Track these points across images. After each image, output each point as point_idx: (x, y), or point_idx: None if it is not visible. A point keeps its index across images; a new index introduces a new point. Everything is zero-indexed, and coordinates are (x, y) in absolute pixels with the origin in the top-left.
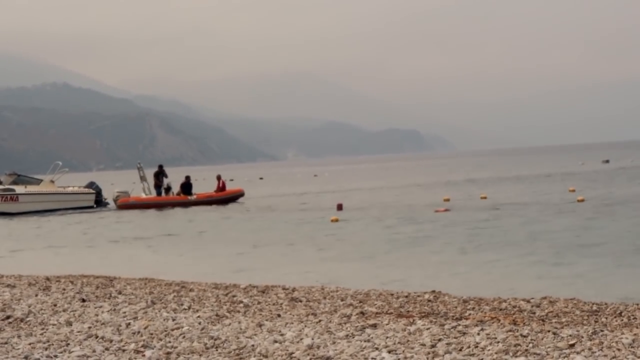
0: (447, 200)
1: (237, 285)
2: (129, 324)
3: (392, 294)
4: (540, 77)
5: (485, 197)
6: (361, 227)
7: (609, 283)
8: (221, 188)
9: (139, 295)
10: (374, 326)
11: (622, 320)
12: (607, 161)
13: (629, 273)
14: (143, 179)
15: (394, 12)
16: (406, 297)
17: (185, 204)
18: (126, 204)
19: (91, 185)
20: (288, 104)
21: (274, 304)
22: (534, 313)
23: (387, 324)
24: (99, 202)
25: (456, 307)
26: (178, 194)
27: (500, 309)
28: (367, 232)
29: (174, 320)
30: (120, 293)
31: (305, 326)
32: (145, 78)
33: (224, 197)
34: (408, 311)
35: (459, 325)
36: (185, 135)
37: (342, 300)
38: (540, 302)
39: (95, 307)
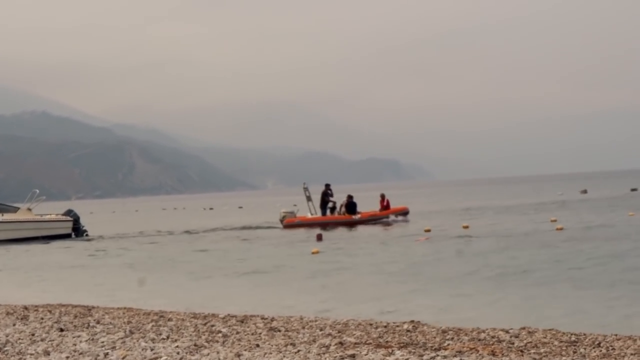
0: (428, 230)
1: (215, 315)
2: (107, 353)
3: (371, 324)
4: (520, 108)
5: (467, 227)
6: (341, 258)
7: (587, 314)
8: (385, 206)
9: (117, 324)
10: (353, 356)
11: (601, 351)
12: (585, 191)
13: (607, 303)
14: (309, 199)
15: (374, 42)
16: (385, 327)
17: (350, 224)
18: (292, 224)
19: (69, 213)
20: (267, 133)
21: (252, 334)
22: (513, 344)
23: (365, 355)
24: (77, 230)
25: (435, 338)
26: (343, 214)
27: (479, 340)
28: (347, 263)
29: (152, 350)
30: (98, 322)
31: (284, 356)
32: (124, 106)
33: (389, 215)
34: (387, 341)
35: (438, 355)
36: (165, 164)
37: (321, 330)
38: (519, 333)
39: (74, 337)
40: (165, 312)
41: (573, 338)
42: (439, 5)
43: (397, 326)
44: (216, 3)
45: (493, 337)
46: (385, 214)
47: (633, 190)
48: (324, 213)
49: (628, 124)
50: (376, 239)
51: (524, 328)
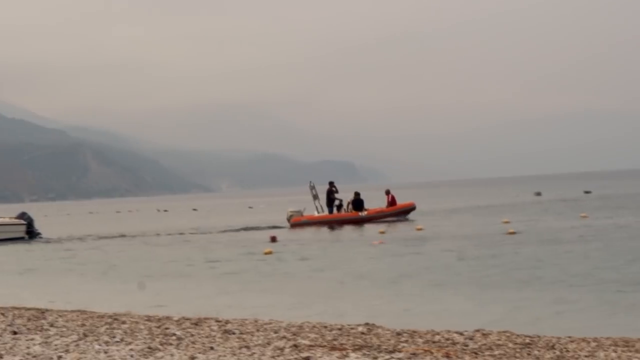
0: (383, 232)
1: (169, 317)
2: (61, 356)
3: (325, 326)
4: (477, 111)
5: (421, 229)
6: (295, 260)
7: (541, 315)
8: (391, 203)
9: (70, 327)
10: (307, 359)
11: (555, 353)
12: (539, 193)
13: (561, 305)
14: (315, 197)
15: (328, 43)
16: (340, 329)
17: (357, 221)
18: (299, 223)
19: (22, 215)
20: (222, 135)
21: (207, 337)
22: (467, 346)
23: (320, 357)
24: (31, 233)
25: (389, 340)
26: (350, 211)
27: (434, 342)
28: (301, 265)
29: (106, 353)
30: (52, 325)
31: (239, 359)
32: (78, 108)
33: (396, 212)
34: (341, 344)
35: (392, 358)
36: (119, 167)
37: (275, 332)
38: (473, 335)
39: (27, 340)
40: (119, 314)
41: (527, 340)
42: (396, 7)
43: (352, 328)
44: (170, 5)
45: (447, 339)
46: (391, 210)
47: (587, 192)
48: (330, 211)
49: (584, 128)
50: (332, 242)
51: (478, 330)
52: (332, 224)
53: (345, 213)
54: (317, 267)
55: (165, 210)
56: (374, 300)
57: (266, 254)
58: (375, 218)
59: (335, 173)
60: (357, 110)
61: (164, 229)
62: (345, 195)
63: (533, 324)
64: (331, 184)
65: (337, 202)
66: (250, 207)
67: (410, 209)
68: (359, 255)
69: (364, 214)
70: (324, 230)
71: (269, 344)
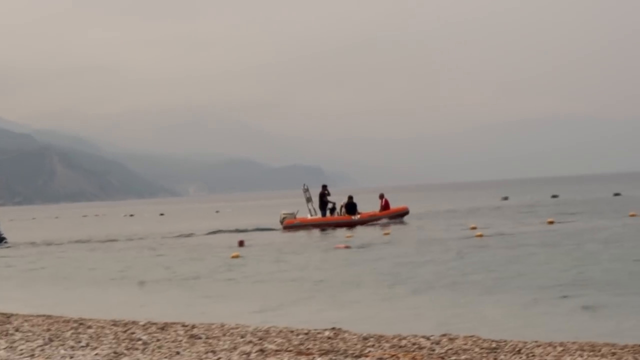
0: (350, 236)
1: (135, 322)
2: None
3: (292, 331)
4: (447, 116)
5: (388, 233)
6: (262, 264)
7: (508, 320)
8: (385, 207)
9: (36, 332)
10: None
11: (521, 357)
12: (507, 198)
13: (526, 309)
14: (309, 200)
15: (297, 48)
16: (306, 334)
17: (350, 224)
18: (292, 225)
19: None
20: (190, 140)
21: (173, 342)
22: (434, 350)
23: None
24: None
25: (356, 345)
26: (343, 214)
27: (400, 347)
28: (267, 269)
29: (71, 358)
30: (17, 330)
31: None
32: (45, 112)
33: (389, 216)
34: (308, 349)
35: None
36: (86, 171)
37: (242, 337)
38: (439, 340)
39: None
40: (84, 319)
41: (494, 345)
42: (366, 11)
43: (318, 333)
44: (139, 10)
45: (414, 344)
46: (384, 214)
47: (554, 197)
48: (323, 214)
49: (558, 132)
50: (298, 245)
51: (444, 335)
52: (325, 226)
53: (338, 216)
54: (282, 272)
55: (132, 215)
56: (340, 304)
57: (233, 257)
58: (368, 221)
59: (304, 177)
60: (326, 114)
61: (130, 234)
62: (338, 199)
63: (498, 328)
64: (324, 187)
65: (330, 205)
66: (217, 212)
67: (403, 212)
68: (324, 260)
69: (356, 217)
70: (295, 233)
71: (235, 348)
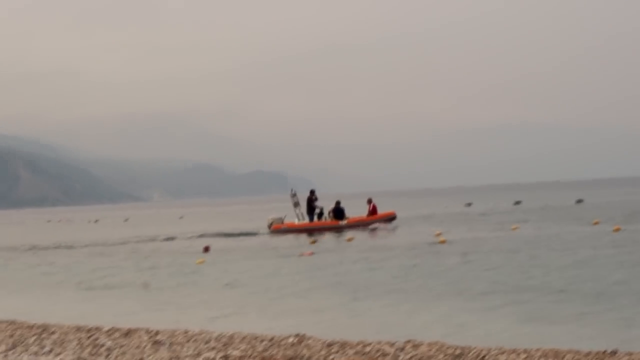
0: (314, 242)
1: (99, 328)
2: None
3: (256, 337)
4: (409, 123)
5: (351, 239)
6: (227, 270)
7: (472, 326)
8: (372, 211)
9: None
10: None
11: None
12: (470, 204)
13: (491, 316)
14: (296, 205)
15: (261, 54)
16: (270, 340)
17: (337, 229)
18: (279, 230)
19: None
20: (153, 145)
21: (137, 347)
22: (398, 357)
23: None
24: None
25: (320, 351)
26: (330, 219)
27: (364, 353)
28: (233, 275)
29: None
30: None
31: None
32: (9, 117)
33: (376, 221)
34: (272, 355)
35: None
36: (49, 176)
37: (205, 343)
38: (404, 346)
39: None
40: (48, 325)
41: (458, 351)
42: (326, 18)
43: (282, 339)
44: (104, 15)
45: (378, 350)
46: (372, 219)
47: (517, 203)
48: (311, 219)
49: (518, 140)
50: (264, 252)
51: (409, 341)
52: (313, 231)
53: (325, 221)
54: (247, 278)
55: (97, 221)
56: (304, 311)
57: (199, 264)
58: (356, 226)
59: (267, 183)
60: (289, 120)
61: (94, 239)
62: (326, 204)
63: (462, 335)
64: (312, 192)
65: (317, 210)
66: (181, 217)
67: (391, 217)
68: (289, 266)
69: (344, 222)
70: (253, 238)
71: (199, 354)
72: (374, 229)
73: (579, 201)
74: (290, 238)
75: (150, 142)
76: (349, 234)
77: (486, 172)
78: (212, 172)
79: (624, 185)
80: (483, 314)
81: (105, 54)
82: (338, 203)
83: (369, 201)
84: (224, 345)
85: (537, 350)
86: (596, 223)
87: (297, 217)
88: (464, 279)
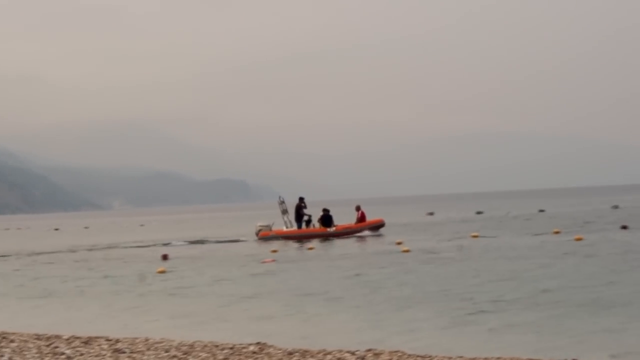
0: (275, 251)
1: (59, 336)
2: None
3: (216, 346)
4: (373, 132)
5: (312, 248)
6: (188, 278)
7: (433, 335)
8: (361, 219)
9: None
10: None
11: None
12: (432, 213)
13: (452, 325)
14: (284, 212)
15: (224, 62)
16: (231, 349)
17: (325, 236)
18: (267, 237)
19: None
20: (115, 153)
21: (97, 356)
22: None
23: None
24: None
25: (281, 359)
26: (319, 227)
27: None
28: (193, 283)
29: None
30: None
31: None
32: None
33: (365, 228)
34: None
35: None
36: (8, 183)
37: (166, 351)
38: (364, 355)
39: None
40: (7, 333)
41: None
42: (292, 27)
43: (243, 348)
44: (64, 22)
45: (339, 359)
46: (360, 227)
47: (479, 213)
48: (299, 226)
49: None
50: (225, 260)
51: (369, 350)
52: (301, 238)
53: (313, 228)
54: (208, 286)
55: (57, 229)
56: (265, 319)
57: (159, 272)
58: (344, 234)
59: (230, 191)
60: (252, 128)
61: (54, 247)
62: (314, 211)
63: (423, 344)
64: (301, 199)
65: (305, 218)
66: (142, 225)
67: (379, 225)
68: (250, 274)
69: (332, 229)
70: (214, 246)
71: None
72: (361, 237)
73: (541, 211)
74: (252, 246)
75: (112, 149)
76: (312, 243)
77: (451, 182)
78: (174, 180)
79: (594, 195)
80: (444, 323)
81: (67, 61)
82: (326, 210)
83: (357, 208)
84: (185, 353)
85: (498, 358)
86: (557, 232)
87: (285, 224)
88: (424, 288)
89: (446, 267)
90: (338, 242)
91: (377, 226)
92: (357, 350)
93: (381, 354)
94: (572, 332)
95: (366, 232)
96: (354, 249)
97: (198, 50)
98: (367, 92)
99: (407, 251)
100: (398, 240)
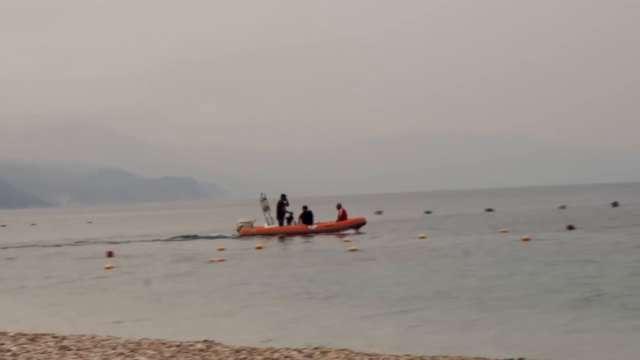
0: (222, 249)
1: (5, 333)
2: None
3: (163, 343)
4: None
5: (260, 247)
6: (134, 275)
7: (380, 334)
8: (342, 217)
9: None
10: None
11: None
12: (380, 212)
13: (400, 323)
14: (266, 209)
15: (171, 58)
16: (178, 346)
17: (306, 234)
18: (248, 234)
19: None
20: (62, 150)
21: (43, 353)
22: None
23: None
24: None
25: (228, 357)
26: (300, 224)
27: (273, 359)
28: (139, 281)
29: None
30: None
31: None
32: None
33: (346, 226)
34: None
35: None
36: None
37: (113, 349)
38: (312, 353)
39: None
40: None
41: (366, 359)
42: (240, 24)
43: (191, 345)
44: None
45: (287, 357)
46: (341, 225)
47: (427, 212)
48: (280, 223)
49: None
50: (172, 257)
51: (317, 348)
52: (282, 236)
53: (295, 226)
54: (155, 283)
55: (4, 225)
56: (213, 317)
57: (107, 269)
58: (325, 231)
59: (178, 189)
60: (199, 125)
61: (1, 244)
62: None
63: (370, 342)
64: (283, 196)
65: (287, 215)
66: (89, 222)
67: (360, 223)
68: (197, 272)
69: (313, 227)
70: (162, 244)
71: None
72: (342, 235)
73: (489, 210)
74: (198, 244)
75: (59, 146)
76: (259, 241)
77: (402, 181)
78: (121, 177)
79: (541, 195)
80: (391, 322)
81: (13, 56)
82: (305, 208)
83: (339, 206)
84: (132, 351)
85: (445, 357)
86: (504, 232)
87: (267, 221)
88: (373, 287)
89: (393, 266)
90: (289, 242)
91: (358, 224)
92: (304, 349)
93: (328, 352)
94: (519, 330)
95: (349, 230)
96: (302, 248)
97: (148, 47)
98: (319, 90)
99: (355, 250)
100: (346, 239)
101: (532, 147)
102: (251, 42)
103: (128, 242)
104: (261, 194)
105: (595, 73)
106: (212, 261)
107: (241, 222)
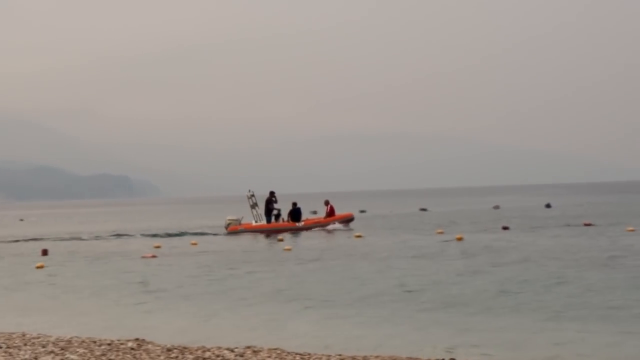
0: (158, 247)
1: None
2: None
3: (94, 341)
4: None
5: (195, 244)
6: (67, 273)
7: (313, 333)
8: (329, 213)
9: None
10: None
11: None
12: (315, 212)
13: (331, 323)
14: (254, 206)
15: (107, 54)
16: (109, 344)
17: (294, 231)
18: (236, 231)
19: None
20: None
21: None
22: None
23: None
24: None
25: (159, 356)
26: (288, 221)
27: (204, 358)
28: (72, 279)
29: None
30: None
31: None
32: None
33: (334, 222)
34: (110, 359)
35: None
36: None
37: (43, 347)
38: (244, 352)
39: None
40: None
41: (298, 358)
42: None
43: (122, 344)
44: None
45: (218, 355)
46: (329, 221)
47: (362, 212)
48: (268, 220)
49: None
50: (105, 254)
51: (249, 347)
52: (270, 233)
53: (283, 223)
54: (87, 281)
55: None
56: (145, 315)
57: (38, 268)
58: (312, 228)
59: (112, 186)
60: (135, 122)
61: None
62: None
63: (302, 342)
64: (271, 193)
65: (275, 212)
66: (21, 220)
67: (349, 219)
68: (129, 269)
69: (301, 223)
70: (95, 242)
71: (36, 358)
72: (331, 230)
73: (423, 209)
74: (129, 241)
75: None
76: (193, 238)
77: (336, 180)
78: (55, 174)
79: (476, 195)
80: (323, 321)
81: None
82: (295, 204)
83: (326, 203)
84: (62, 349)
85: (377, 357)
86: (440, 232)
87: (255, 218)
88: (305, 286)
89: (329, 265)
90: (222, 239)
91: (346, 220)
92: (236, 347)
93: (260, 351)
94: (451, 329)
95: (337, 226)
96: (235, 246)
97: (81, 44)
98: (253, 88)
99: (289, 249)
100: (279, 237)
101: (466, 148)
102: (185, 38)
103: (60, 239)
104: (249, 190)
105: (541, 77)
106: (144, 257)
107: (229, 220)
